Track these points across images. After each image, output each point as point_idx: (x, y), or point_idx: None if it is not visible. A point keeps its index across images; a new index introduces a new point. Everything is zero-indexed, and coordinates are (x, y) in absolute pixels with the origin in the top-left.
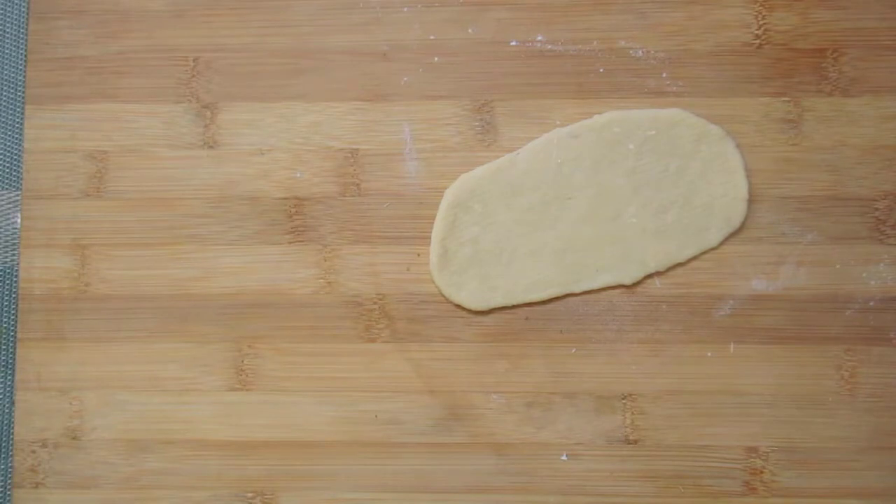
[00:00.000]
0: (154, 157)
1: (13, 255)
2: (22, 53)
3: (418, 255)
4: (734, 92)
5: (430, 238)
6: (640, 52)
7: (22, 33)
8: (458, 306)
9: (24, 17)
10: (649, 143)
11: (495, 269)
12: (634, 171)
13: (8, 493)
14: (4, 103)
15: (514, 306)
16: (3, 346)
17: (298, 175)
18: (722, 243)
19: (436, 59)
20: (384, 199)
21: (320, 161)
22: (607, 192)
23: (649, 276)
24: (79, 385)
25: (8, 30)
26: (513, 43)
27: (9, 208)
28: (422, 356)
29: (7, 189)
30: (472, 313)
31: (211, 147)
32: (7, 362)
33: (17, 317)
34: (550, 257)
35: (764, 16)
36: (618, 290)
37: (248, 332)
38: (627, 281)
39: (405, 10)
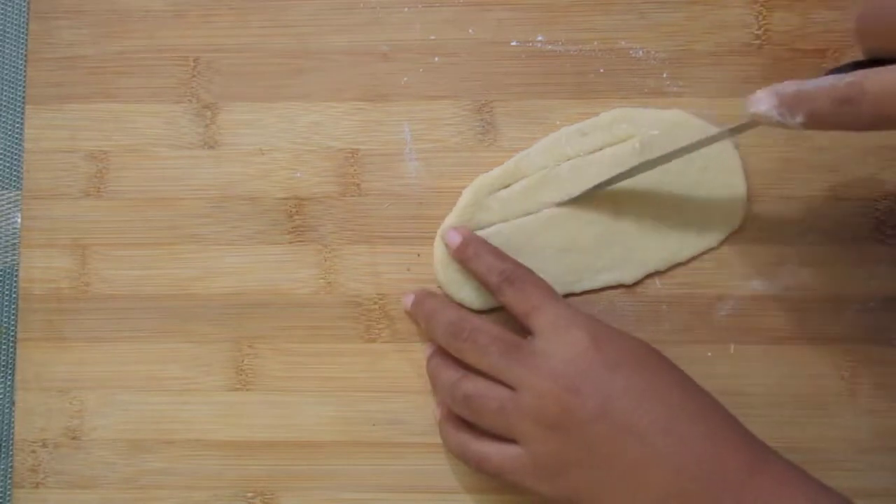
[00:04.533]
0: (154, 157)
1: (13, 255)
2: (22, 53)
3: (419, 255)
4: (735, 92)
5: (431, 238)
6: (641, 52)
7: (22, 33)
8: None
9: (24, 17)
10: (653, 143)
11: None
12: (637, 171)
13: (8, 493)
14: (4, 103)
15: None
16: (3, 346)
17: (298, 175)
18: (722, 243)
19: (436, 59)
20: (384, 199)
21: (320, 161)
22: (611, 191)
23: (649, 276)
24: (79, 385)
25: (8, 30)
26: (513, 43)
27: (9, 208)
28: (422, 356)
29: (7, 189)
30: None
31: (211, 147)
32: (7, 362)
33: (17, 317)
34: (553, 257)
35: (764, 16)
36: (618, 290)
37: (248, 332)
38: (627, 281)
39: (405, 10)
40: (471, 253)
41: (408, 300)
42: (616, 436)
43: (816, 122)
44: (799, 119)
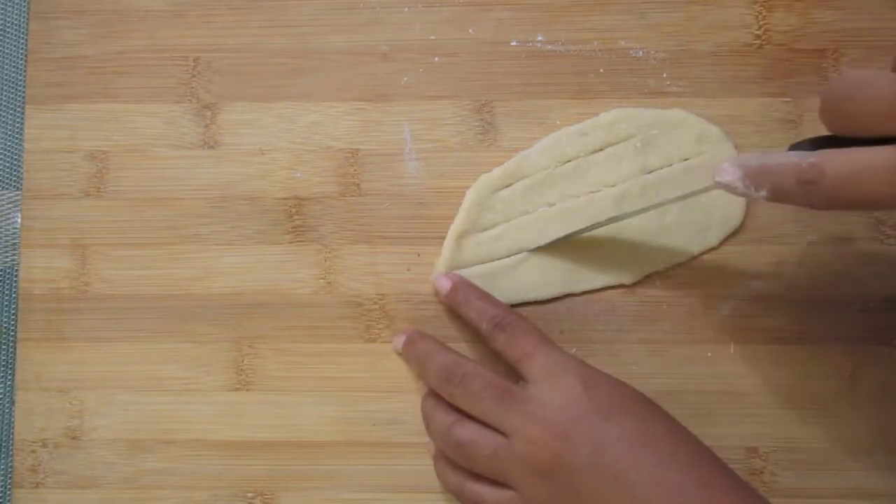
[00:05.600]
0: (154, 157)
1: (13, 255)
2: (22, 53)
3: (419, 255)
4: (735, 92)
5: (430, 238)
6: (641, 52)
7: (22, 33)
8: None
9: (24, 17)
10: (654, 143)
11: (500, 268)
12: (641, 170)
13: (8, 493)
14: (4, 103)
15: (514, 305)
16: (3, 346)
17: (298, 175)
18: (722, 243)
19: (436, 59)
20: (384, 199)
21: (320, 161)
22: (615, 191)
23: (649, 276)
24: (79, 385)
25: (8, 30)
26: (513, 43)
27: (9, 208)
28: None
29: (7, 189)
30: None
31: (211, 147)
32: (7, 362)
33: (17, 317)
34: (554, 257)
35: (764, 16)
36: (618, 290)
37: (248, 332)
38: (627, 281)
39: (405, 10)
40: (461, 298)
41: (399, 340)
42: (606, 486)
43: (779, 196)
44: (763, 193)
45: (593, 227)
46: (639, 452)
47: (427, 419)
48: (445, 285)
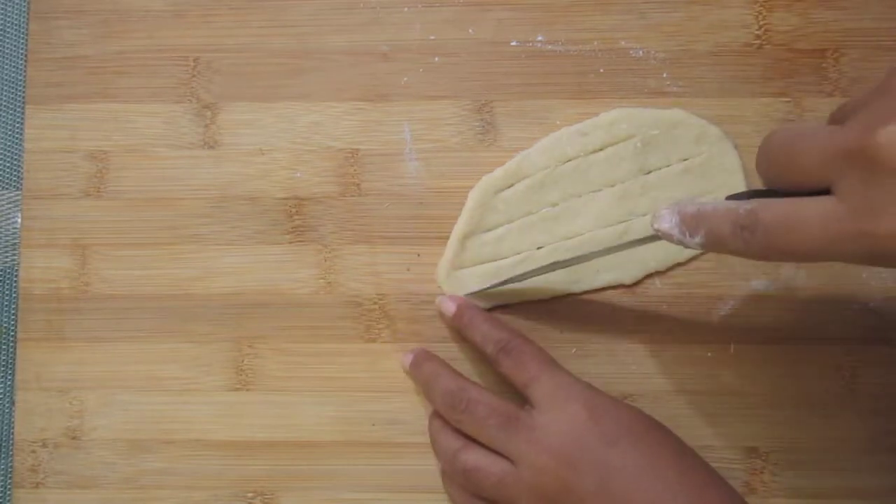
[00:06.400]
0: (154, 157)
1: (13, 255)
2: (22, 53)
3: (419, 255)
4: (735, 92)
5: (430, 238)
6: (641, 52)
7: (22, 33)
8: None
9: (24, 17)
10: (653, 143)
11: (501, 268)
12: (641, 170)
13: (8, 493)
14: (4, 103)
15: (514, 305)
16: (3, 346)
17: (298, 175)
18: None
19: (436, 59)
20: (384, 199)
21: (320, 161)
22: (617, 191)
23: (649, 275)
24: (79, 385)
25: (8, 30)
26: (513, 43)
27: (9, 208)
28: None
29: (7, 189)
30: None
31: (211, 147)
32: (7, 362)
33: (17, 317)
34: (556, 257)
35: (764, 16)
36: (618, 290)
37: (248, 332)
38: (628, 281)
39: (405, 10)
40: (466, 321)
41: (406, 360)
42: None
43: (715, 243)
44: (698, 239)
45: (578, 259)
46: (645, 482)
47: (434, 442)
48: (451, 308)
